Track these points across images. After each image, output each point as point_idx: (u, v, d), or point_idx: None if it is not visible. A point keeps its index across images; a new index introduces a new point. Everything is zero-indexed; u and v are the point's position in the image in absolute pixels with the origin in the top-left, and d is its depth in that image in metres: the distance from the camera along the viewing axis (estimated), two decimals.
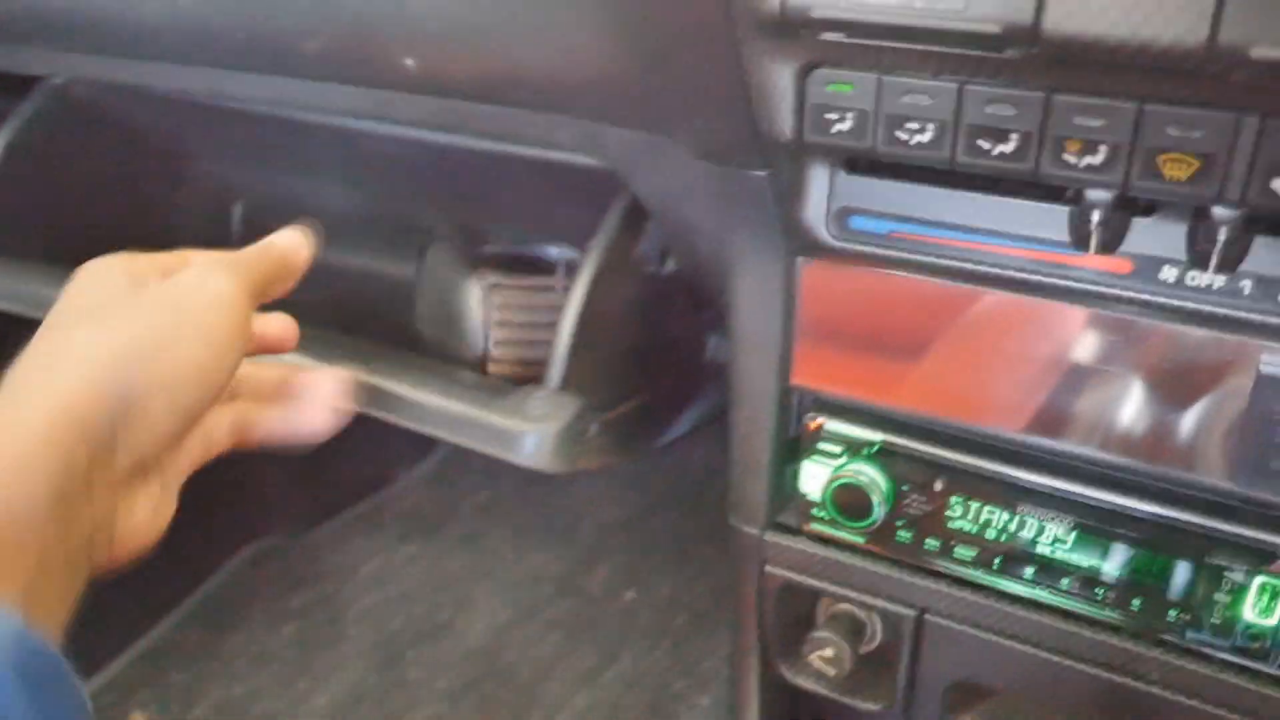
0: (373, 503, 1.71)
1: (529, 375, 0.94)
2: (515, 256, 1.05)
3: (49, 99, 1.12)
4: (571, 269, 1.05)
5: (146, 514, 0.62)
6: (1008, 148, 0.52)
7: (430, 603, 1.54)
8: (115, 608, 1.30)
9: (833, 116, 0.56)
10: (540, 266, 1.05)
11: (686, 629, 1.46)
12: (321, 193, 1.20)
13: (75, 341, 0.59)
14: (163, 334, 0.60)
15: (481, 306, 0.95)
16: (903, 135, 0.54)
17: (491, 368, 0.94)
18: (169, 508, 0.64)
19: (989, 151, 0.53)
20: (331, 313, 1.08)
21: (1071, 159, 0.51)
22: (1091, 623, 0.69)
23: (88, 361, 0.58)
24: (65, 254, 1.12)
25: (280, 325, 0.71)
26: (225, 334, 0.62)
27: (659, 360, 1.03)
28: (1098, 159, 0.51)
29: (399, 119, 0.81)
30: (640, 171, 0.74)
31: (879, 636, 0.79)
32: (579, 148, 0.75)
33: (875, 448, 0.72)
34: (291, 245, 0.70)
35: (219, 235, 1.33)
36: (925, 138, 0.54)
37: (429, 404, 0.81)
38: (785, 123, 0.57)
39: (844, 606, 0.79)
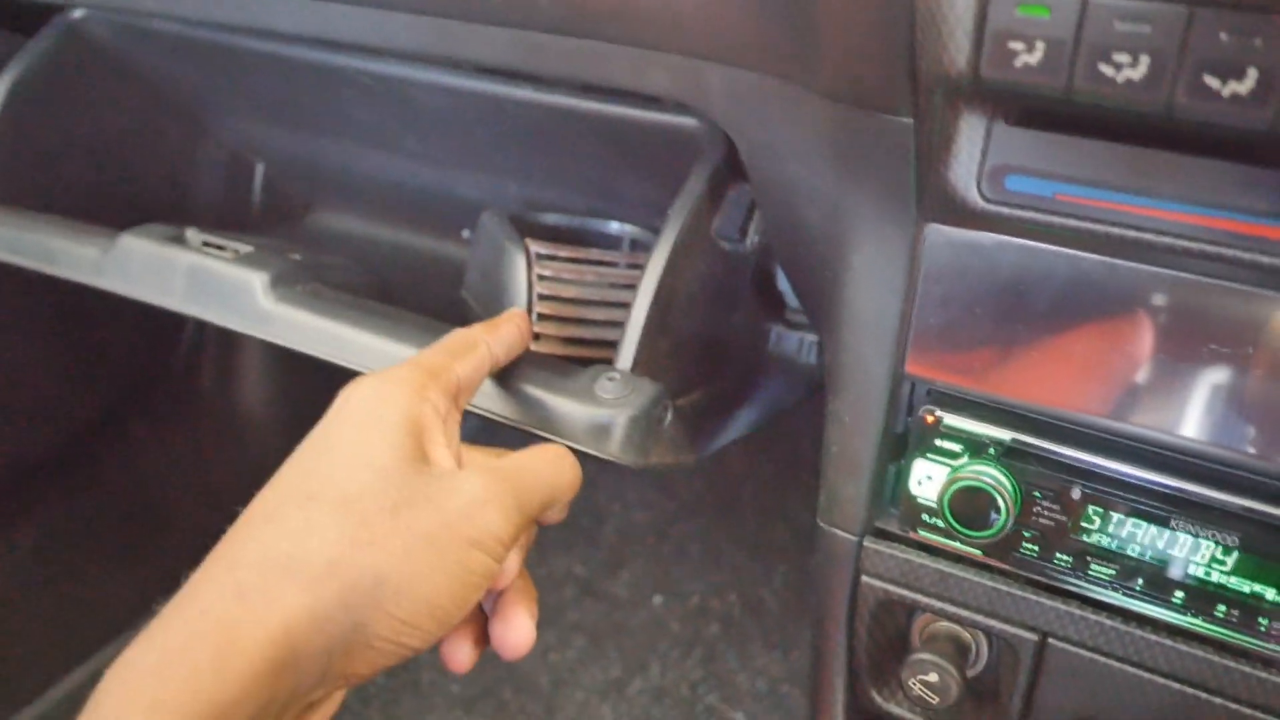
0: None
1: (573, 356, 0.85)
2: (576, 229, 0.96)
3: (61, 37, 1.02)
4: (636, 246, 0.96)
5: None
6: (1242, 88, 0.43)
7: None
8: (87, 611, 1.21)
9: (1018, 46, 0.47)
10: (601, 242, 0.95)
11: (718, 640, 1.37)
12: (355, 155, 1.11)
13: (316, 541, 0.50)
14: (416, 570, 0.51)
15: (527, 277, 0.85)
16: (1107, 71, 0.45)
17: (532, 345, 0.85)
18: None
19: (1217, 93, 0.44)
20: (378, 286, 0.99)
21: None
22: (1250, 658, 0.60)
23: (325, 581, 0.49)
24: (71, 206, 1.04)
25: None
26: (480, 577, 0.54)
27: (724, 349, 0.94)
28: None
29: (463, 56, 0.72)
30: (746, 122, 0.65)
31: (983, 661, 0.70)
32: (673, 93, 0.66)
33: (1002, 448, 0.63)
34: (574, 477, 0.64)
35: (238, 197, 1.24)
36: (1137, 74, 0.45)
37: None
38: (958, 54, 0.48)
39: (945, 625, 0.71)
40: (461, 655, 0.60)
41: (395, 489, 0.53)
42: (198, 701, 0.45)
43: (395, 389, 0.57)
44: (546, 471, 0.61)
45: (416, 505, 0.53)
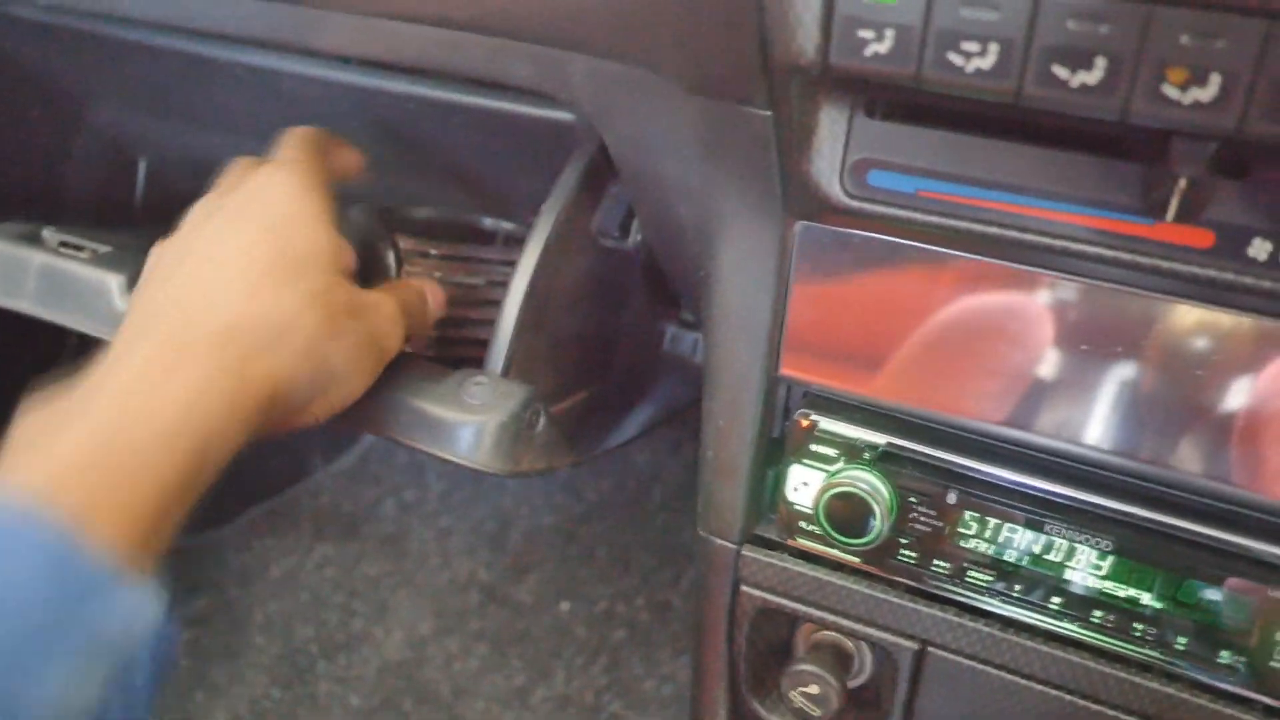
0: (284, 498, 1.57)
1: (446, 357, 0.82)
2: (446, 223, 0.92)
3: None
4: (510, 241, 0.93)
5: None
6: (1091, 78, 0.41)
7: (344, 610, 1.41)
8: None
9: (868, 34, 0.44)
10: (474, 237, 0.92)
11: (625, 645, 1.35)
12: (234, 147, 1.06)
13: (302, 324, 0.58)
14: (356, 368, 0.62)
15: (395, 275, 0.82)
16: (956, 59, 0.43)
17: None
18: None
19: (1066, 83, 0.42)
20: None
21: (1172, 93, 0.41)
22: (1127, 663, 0.59)
23: (307, 358, 0.58)
24: None
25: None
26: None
27: (611, 350, 0.91)
28: (1207, 93, 0.40)
29: (319, 47, 0.69)
30: (612, 115, 0.63)
31: (867, 670, 0.69)
32: (537, 85, 0.63)
33: (877, 452, 0.61)
34: (433, 306, 0.73)
35: (120, 193, 1.19)
36: (986, 63, 0.43)
37: None
38: (806, 41, 0.46)
39: (828, 635, 0.69)
40: None
41: (345, 292, 0.62)
42: (223, 436, 0.52)
43: (307, 169, 0.66)
44: (422, 305, 0.71)
45: (362, 313, 0.62)
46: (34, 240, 0.84)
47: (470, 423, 0.66)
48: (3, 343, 1.20)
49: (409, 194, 0.95)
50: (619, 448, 0.90)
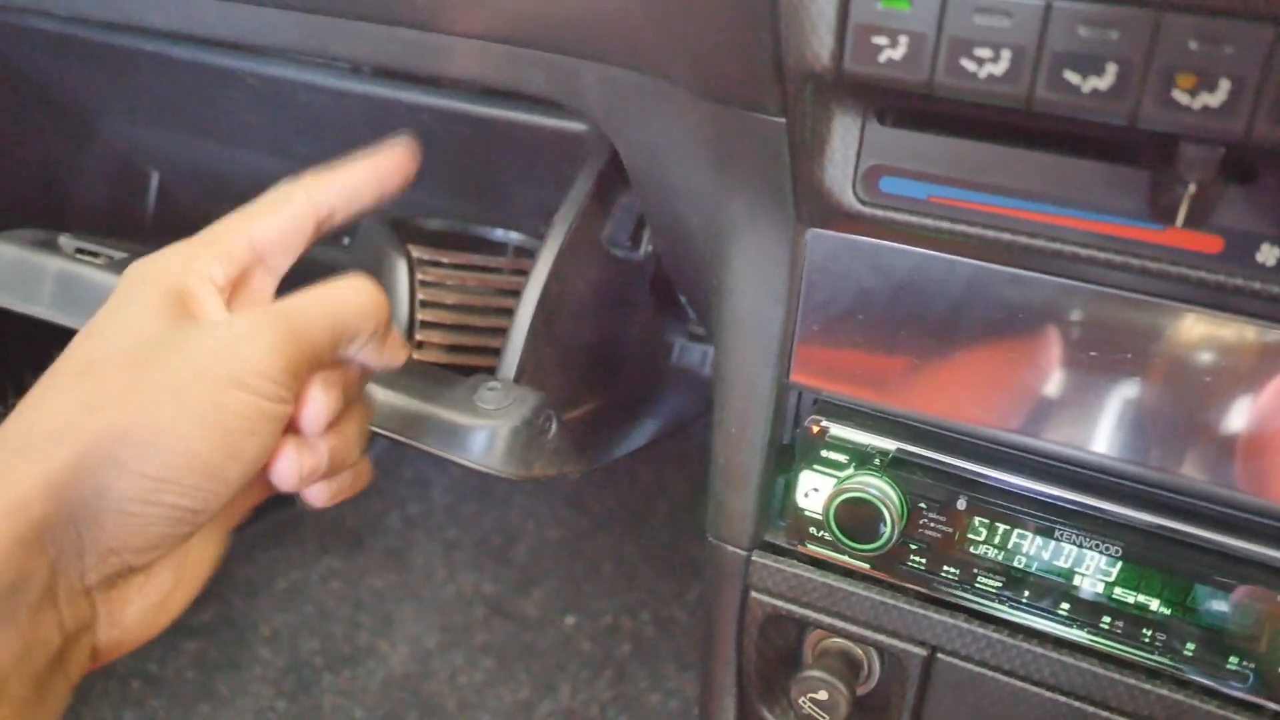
0: (289, 512, 1.57)
1: (457, 364, 0.83)
2: (457, 235, 0.93)
3: None
4: (520, 252, 0.94)
5: (148, 606, 0.51)
6: (1102, 83, 0.42)
7: (349, 623, 1.41)
8: None
9: (882, 41, 0.45)
10: (485, 248, 0.93)
11: (630, 659, 1.35)
12: (247, 160, 1.07)
13: (48, 412, 0.48)
14: (160, 422, 0.48)
15: (409, 283, 0.83)
16: (969, 65, 0.44)
17: (415, 353, 0.82)
18: (192, 585, 0.53)
19: (1077, 88, 0.43)
20: None
21: (1181, 98, 0.41)
22: (1136, 668, 0.59)
23: (53, 450, 0.47)
24: None
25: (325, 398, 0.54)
26: (248, 419, 0.50)
27: (621, 359, 0.92)
28: (1216, 98, 0.41)
29: (334, 54, 0.70)
30: (624, 123, 0.63)
31: (876, 677, 0.69)
32: (551, 93, 0.64)
33: (887, 458, 0.62)
34: (366, 301, 0.55)
35: (131, 205, 1.20)
36: (998, 69, 0.44)
37: None
38: (821, 48, 0.47)
39: (837, 642, 0.69)
40: (311, 493, 0.56)
41: (144, 349, 0.50)
42: None
43: (157, 263, 0.54)
44: (332, 300, 0.55)
45: (163, 358, 0.50)
46: (50, 246, 0.85)
47: (484, 427, 0.67)
48: (6, 345, 1.21)
49: (421, 205, 0.96)
50: (626, 458, 0.91)
